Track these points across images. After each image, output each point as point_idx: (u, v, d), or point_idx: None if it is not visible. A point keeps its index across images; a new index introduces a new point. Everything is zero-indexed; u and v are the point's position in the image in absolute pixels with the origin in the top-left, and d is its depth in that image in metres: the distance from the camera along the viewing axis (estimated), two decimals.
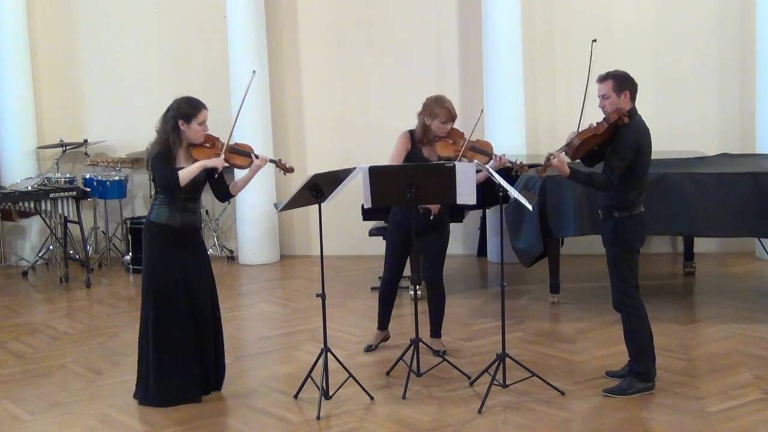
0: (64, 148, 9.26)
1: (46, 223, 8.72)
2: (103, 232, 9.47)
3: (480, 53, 8.69)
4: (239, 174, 5.59)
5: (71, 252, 8.93)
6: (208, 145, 5.09)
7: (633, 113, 4.85)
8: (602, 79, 4.90)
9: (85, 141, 9.32)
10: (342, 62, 9.28)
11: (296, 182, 5.21)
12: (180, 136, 5.00)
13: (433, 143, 5.62)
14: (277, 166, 5.25)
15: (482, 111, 5.60)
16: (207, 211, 9.35)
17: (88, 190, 8.67)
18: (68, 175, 8.98)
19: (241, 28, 8.84)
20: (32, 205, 8.17)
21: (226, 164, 5.06)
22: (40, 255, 9.15)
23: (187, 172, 4.95)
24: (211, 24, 9.33)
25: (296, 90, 9.42)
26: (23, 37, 9.37)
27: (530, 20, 8.76)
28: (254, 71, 5.42)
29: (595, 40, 5.00)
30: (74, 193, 8.32)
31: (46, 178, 8.73)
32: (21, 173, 9.16)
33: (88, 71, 9.78)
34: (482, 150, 5.56)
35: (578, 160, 5.07)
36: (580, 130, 4.87)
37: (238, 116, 5.29)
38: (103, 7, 9.68)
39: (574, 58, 8.84)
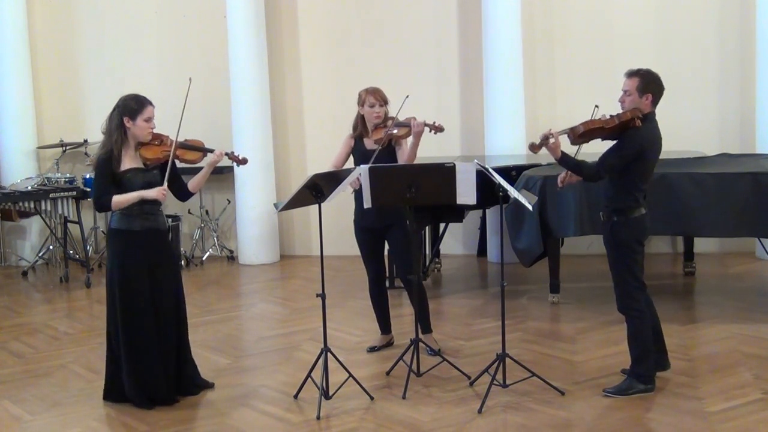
0: (64, 148, 9.26)
1: (46, 223, 8.72)
2: (103, 232, 9.46)
3: (480, 53, 8.69)
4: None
5: (71, 252, 8.93)
6: (156, 143, 5.00)
7: (649, 117, 4.80)
8: (630, 74, 4.83)
9: (85, 141, 9.32)
10: (342, 62, 9.28)
11: (296, 182, 5.21)
12: (126, 135, 4.92)
13: (370, 134, 5.72)
14: (230, 158, 5.15)
15: (407, 96, 5.66)
16: (207, 211, 9.35)
17: (88, 190, 8.65)
18: (68, 175, 8.98)
19: (241, 28, 8.84)
20: (32, 205, 8.17)
21: (165, 194, 4.94)
22: (40, 255, 9.16)
23: (122, 200, 4.87)
24: (211, 24, 9.34)
25: (296, 90, 9.43)
26: (23, 37, 9.38)
27: (530, 20, 8.76)
28: (191, 78, 5.24)
29: (597, 106, 4.88)
30: (74, 193, 8.33)
31: (46, 178, 8.73)
32: (21, 173, 9.17)
33: (88, 71, 9.79)
34: (402, 122, 5.61)
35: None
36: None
37: (180, 126, 5.10)
38: (103, 7, 9.69)
39: (574, 58, 8.86)
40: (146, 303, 4.98)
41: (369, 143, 5.72)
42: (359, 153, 5.73)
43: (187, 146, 5.09)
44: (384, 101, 5.71)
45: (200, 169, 5.16)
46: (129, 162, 4.94)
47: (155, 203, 5.01)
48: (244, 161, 5.20)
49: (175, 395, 5.12)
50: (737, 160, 7.30)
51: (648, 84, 4.78)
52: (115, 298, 5.00)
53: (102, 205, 4.93)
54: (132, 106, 4.92)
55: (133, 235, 4.97)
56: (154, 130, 5.00)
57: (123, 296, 4.97)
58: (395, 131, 5.60)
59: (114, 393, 5.13)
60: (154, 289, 5.01)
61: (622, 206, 4.82)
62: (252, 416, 4.92)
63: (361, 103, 5.74)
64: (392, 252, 5.79)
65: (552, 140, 4.72)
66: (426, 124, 5.53)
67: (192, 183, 5.17)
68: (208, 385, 5.33)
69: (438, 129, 5.55)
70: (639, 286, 4.92)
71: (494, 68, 8.48)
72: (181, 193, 5.20)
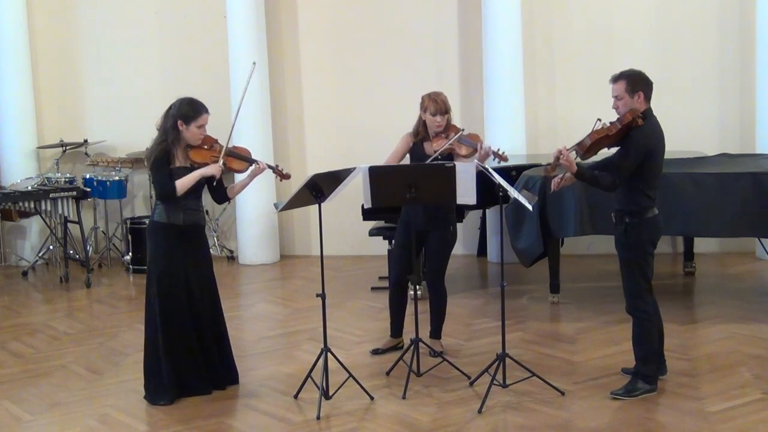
0: (64, 148, 9.26)
1: (46, 223, 8.72)
2: (103, 232, 9.47)
3: (480, 53, 8.68)
4: (238, 177, 5.62)
5: (71, 252, 8.93)
6: (206, 147, 5.11)
7: (648, 114, 4.80)
8: (615, 79, 4.83)
9: (85, 141, 9.32)
10: (342, 62, 9.28)
11: (296, 182, 5.23)
12: (178, 136, 5.03)
13: (431, 139, 5.68)
14: (274, 172, 5.26)
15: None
16: (207, 211, 9.31)
17: (88, 190, 8.66)
18: (68, 175, 8.98)
19: (241, 28, 8.84)
20: (32, 205, 8.17)
21: (223, 169, 5.08)
22: (40, 255, 9.15)
23: (184, 182, 4.99)
24: (211, 24, 9.33)
25: (296, 90, 9.43)
26: (23, 37, 9.37)
27: (530, 20, 8.76)
28: (254, 63, 5.45)
29: (599, 119, 4.82)
30: (74, 193, 8.32)
31: (46, 178, 8.73)
32: (21, 173, 9.16)
33: (88, 71, 9.78)
34: (469, 142, 5.60)
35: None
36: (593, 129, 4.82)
37: (238, 112, 5.30)
38: (103, 7, 9.68)
39: (574, 58, 8.86)
40: (185, 297, 5.08)
41: (429, 148, 5.68)
42: (418, 156, 5.70)
43: (235, 155, 5.21)
44: (445, 110, 5.63)
45: None
46: (179, 161, 5.07)
47: (197, 199, 5.16)
48: (287, 176, 5.29)
49: (211, 386, 5.20)
50: (737, 160, 7.30)
51: (635, 83, 4.78)
52: (154, 292, 5.07)
53: (169, 193, 4.99)
54: (188, 112, 5.03)
55: (175, 229, 5.07)
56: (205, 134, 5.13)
57: (162, 290, 5.05)
58: (462, 151, 5.55)
59: (155, 393, 5.13)
60: (192, 283, 5.11)
61: (636, 208, 4.81)
62: (252, 416, 4.93)
63: (423, 108, 5.68)
64: (427, 253, 5.73)
65: (563, 159, 4.72)
66: (493, 152, 5.49)
67: (232, 190, 5.32)
68: (236, 380, 5.39)
69: (502, 158, 5.50)
70: (649, 288, 4.92)
71: (494, 68, 8.48)
72: (219, 196, 5.32)
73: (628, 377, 5.08)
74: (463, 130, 5.64)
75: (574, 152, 4.82)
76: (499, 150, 5.51)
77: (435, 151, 5.58)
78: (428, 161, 5.53)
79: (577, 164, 4.83)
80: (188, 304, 5.10)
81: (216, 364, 5.24)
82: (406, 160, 5.81)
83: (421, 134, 5.74)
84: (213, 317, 5.26)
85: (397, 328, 5.98)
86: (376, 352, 5.95)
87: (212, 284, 5.28)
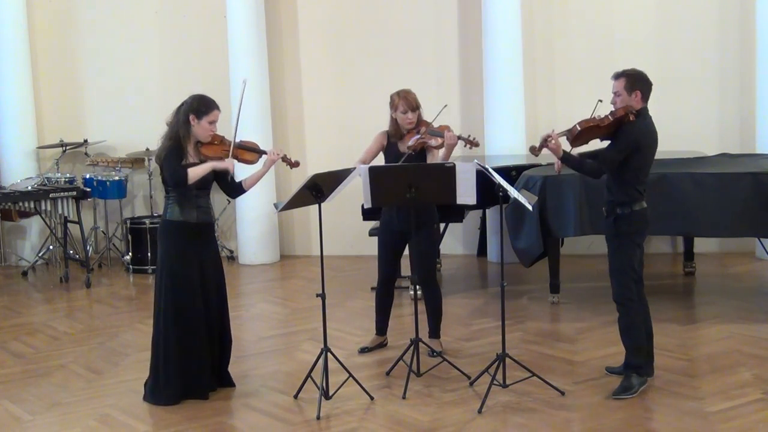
0: (64, 148, 9.26)
1: (46, 223, 8.72)
2: (103, 232, 9.47)
3: (480, 53, 8.69)
4: (248, 171, 5.59)
5: (71, 252, 8.93)
6: (216, 142, 5.15)
7: (642, 113, 4.91)
8: (616, 76, 4.97)
9: (85, 141, 9.32)
10: (342, 62, 9.28)
11: (296, 182, 5.22)
12: (189, 131, 5.04)
13: (404, 136, 5.70)
14: (283, 161, 5.28)
15: (445, 105, 5.67)
16: None
17: (88, 190, 8.66)
18: (68, 175, 8.98)
19: (241, 28, 8.84)
20: (32, 205, 8.16)
21: (236, 160, 5.11)
22: (40, 255, 9.15)
23: (196, 171, 4.99)
24: (211, 24, 9.33)
25: (296, 90, 9.43)
26: (23, 37, 9.37)
27: (530, 20, 8.76)
28: (245, 80, 5.42)
29: (600, 101, 4.95)
30: (74, 193, 8.32)
31: (46, 178, 8.73)
32: (21, 173, 9.16)
33: (88, 71, 9.78)
34: (437, 132, 5.60)
35: None
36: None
37: (237, 126, 5.28)
38: (103, 7, 9.68)
39: (574, 58, 8.86)
40: (197, 296, 5.07)
41: (402, 147, 5.68)
42: (393, 155, 5.70)
43: (245, 147, 5.25)
44: (415, 107, 5.65)
45: None
46: (191, 157, 5.08)
47: (207, 197, 5.16)
48: (296, 164, 5.32)
49: (211, 390, 5.18)
50: (737, 160, 7.30)
51: (634, 82, 4.90)
52: (167, 291, 5.05)
53: (179, 177, 4.96)
54: (200, 108, 5.05)
55: (188, 227, 5.07)
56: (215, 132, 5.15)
57: (175, 289, 5.04)
58: (432, 142, 5.56)
59: (158, 394, 5.12)
60: (203, 281, 5.11)
61: (626, 199, 4.92)
62: (252, 416, 4.92)
63: (393, 107, 5.69)
64: (415, 253, 5.72)
65: (552, 141, 4.84)
66: (461, 138, 5.50)
67: (247, 181, 5.30)
68: (231, 383, 5.36)
69: (473, 144, 5.52)
70: (636, 279, 4.99)
71: (494, 68, 8.48)
72: (233, 190, 5.34)
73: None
74: (431, 123, 5.66)
75: (564, 137, 4.92)
76: (470, 136, 5.52)
77: (408, 147, 5.59)
78: (402, 159, 5.56)
79: (563, 150, 4.92)
80: (202, 303, 5.09)
81: (216, 366, 5.24)
82: (381, 159, 5.81)
83: (396, 134, 5.74)
84: (221, 316, 5.24)
85: (382, 326, 6.02)
86: (363, 350, 5.97)
87: (222, 281, 5.27)
